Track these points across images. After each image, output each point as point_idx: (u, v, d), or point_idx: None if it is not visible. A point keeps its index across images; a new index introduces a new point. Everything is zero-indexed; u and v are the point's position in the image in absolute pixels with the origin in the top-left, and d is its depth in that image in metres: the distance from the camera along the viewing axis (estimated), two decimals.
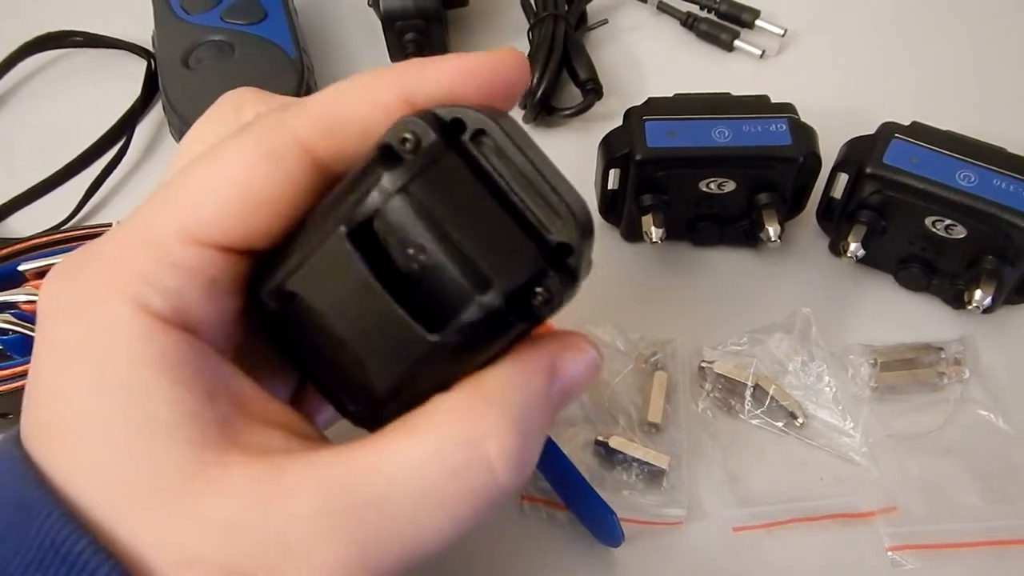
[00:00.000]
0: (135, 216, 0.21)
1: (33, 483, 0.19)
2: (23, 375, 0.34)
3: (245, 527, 0.18)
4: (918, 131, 0.36)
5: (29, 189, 0.43)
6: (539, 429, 0.21)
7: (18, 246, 0.38)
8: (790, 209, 0.39)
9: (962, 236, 0.35)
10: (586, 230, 0.20)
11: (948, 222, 0.35)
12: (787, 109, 0.38)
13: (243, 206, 0.20)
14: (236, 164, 0.21)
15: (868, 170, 0.35)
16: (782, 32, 0.49)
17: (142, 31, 0.48)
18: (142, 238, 0.20)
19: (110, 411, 0.19)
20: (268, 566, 0.18)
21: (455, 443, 0.19)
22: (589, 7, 0.49)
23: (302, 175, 0.21)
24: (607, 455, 0.34)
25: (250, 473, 0.19)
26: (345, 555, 0.19)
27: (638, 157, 0.36)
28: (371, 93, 0.21)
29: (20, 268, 0.37)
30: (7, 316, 0.35)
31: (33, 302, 0.36)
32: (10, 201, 0.43)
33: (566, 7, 0.47)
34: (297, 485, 0.19)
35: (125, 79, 0.47)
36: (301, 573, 0.18)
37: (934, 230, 0.36)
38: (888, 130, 0.36)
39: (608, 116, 0.45)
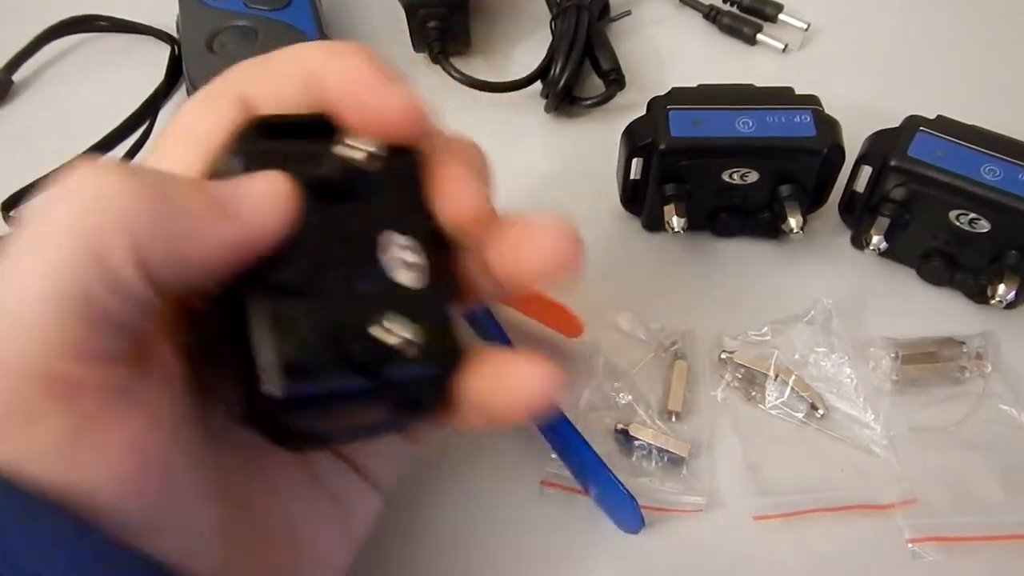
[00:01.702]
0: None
1: None
2: None
3: None
4: (943, 125, 0.36)
5: (54, 171, 0.43)
6: None
7: None
8: (812, 201, 0.39)
9: (986, 230, 0.35)
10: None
11: (972, 216, 0.35)
12: (811, 101, 0.38)
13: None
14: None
15: (893, 163, 0.35)
16: (805, 26, 0.49)
17: (166, 17, 0.48)
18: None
19: None
20: None
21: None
22: None
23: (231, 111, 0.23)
24: (627, 442, 0.34)
25: None
26: None
27: (662, 146, 0.36)
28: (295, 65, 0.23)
29: None
30: None
31: None
32: (36, 182, 0.43)
33: None
34: None
35: (149, 64, 0.48)
36: None
37: (958, 224, 0.35)
38: (913, 123, 0.36)
39: (629, 107, 0.45)
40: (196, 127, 0.23)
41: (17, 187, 0.43)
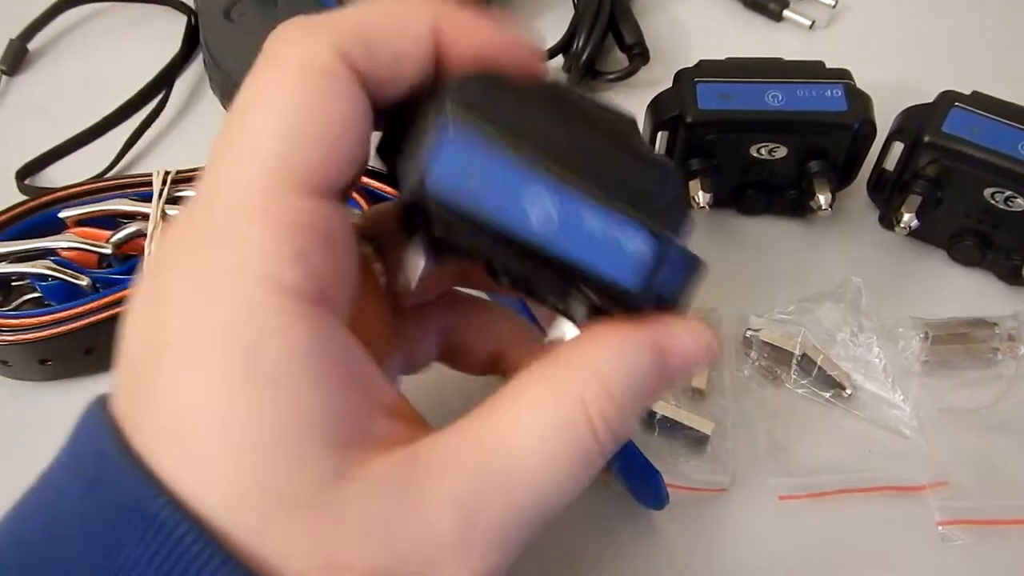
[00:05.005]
0: (211, 184, 0.19)
1: (116, 444, 0.18)
2: (62, 321, 0.34)
3: (394, 527, 0.18)
4: (979, 100, 0.35)
5: (69, 140, 0.43)
6: (644, 404, 0.21)
7: (59, 194, 0.38)
8: (841, 179, 0.38)
9: (1021, 209, 0.34)
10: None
11: (1008, 194, 0.34)
12: (843, 75, 0.37)
13: (320, 135, 0.18)
14: (295, 92, 0.18)
15: (926, 139, 0.34)
16: (833, 2, 0.48)
17: None
18: (246, 206, 0.18)
19: (244, 411, 0.17)
20: (420, 563, 0.18)
21: (574, 417, 0.19)
22: None
23: (355, 89, 0.19)
24: (650, 420, 0.33)
25: (390, 467, 0.18)
26: (495, 536, 0.18)
27: (689, 119, 0.36)
28: (404, 18, 0.20)
29: (60, 215, 0.37)
30: (48, 263, 0.35)
31: (73, 249, 0.36)
32: (50, 151, 0.43)
33: None
34: (439, 469, 0.18)
35: (165, 34, 0.47)
36: (458, 563, 0.18)
37: (992, 202, 0.35)
38: (948, 98, 0.35)
39: (653, 82, 0.44)
40: (285, 104, 0.19)
41: (32, 156, 0.42)
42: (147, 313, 0.19)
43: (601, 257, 0.19)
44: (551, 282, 0.21)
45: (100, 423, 0.18)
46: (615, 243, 0.19)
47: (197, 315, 0.18)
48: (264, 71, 0.19)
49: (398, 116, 0.20)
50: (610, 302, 0.20)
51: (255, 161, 0.18)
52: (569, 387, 0.20)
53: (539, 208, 0.19)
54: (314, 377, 0.18)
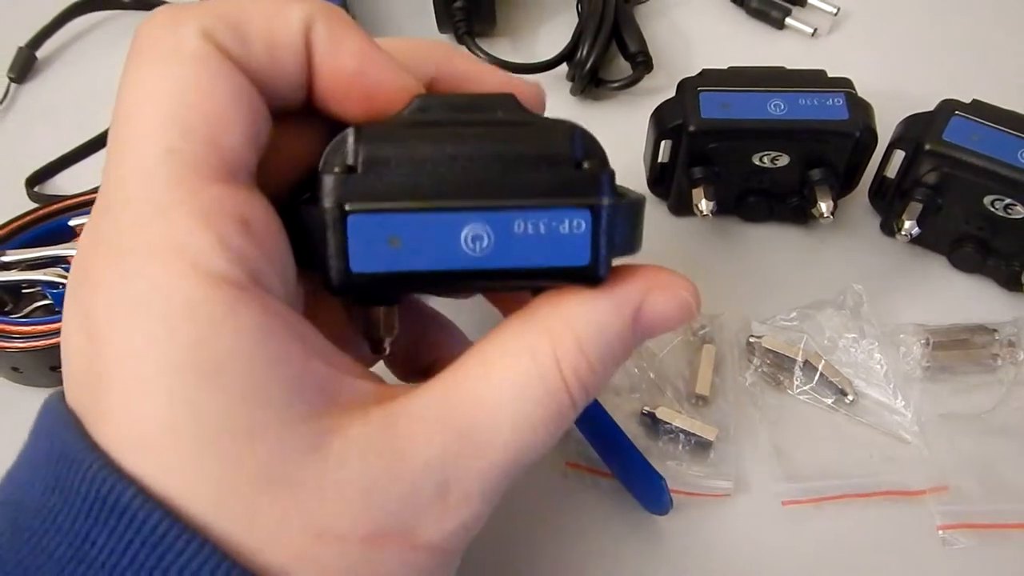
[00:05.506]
0: (113, 188, 0.19)
1: (79, 439, 0.18)
2: None
3: (378, 488, 0.18)
4: (979, 109, 0.36)
5: (78, 147, 0.43)
6: (615, 362, 0.22)
7: (68, 202, 0.38)
8: (842, 186, 0.39)
9: (1021, 216, 0.34)
10: None
11: (1008, 201, 0.34)
12: (844, 84, 0.37)
13: (202, 119, 0.18)
14: (171, 80, 0.19)
15: (927, 146, 0.35)
16: (835, 11, 0.48)
17: None
18: (154, 204, 0.18)
19: (205, 410, 0.17)
20: (407, 521, 0.19)
21: (547, 372, 0.20)
22: None
23: (229, 70, 0.19)
24: (653, 426, 0.33)
25: (367, 431, 0.19)
26: (474, 491, 0.19)
27: (692, 128, 0.36)
28: (274, 6, 0.20)
29: (70, 223, 0.37)
30: (57, 270, 0.36)
31: None
32: (59, 159, 0.43)
33: None
34: (416, 431, 0.19)
35: None
36: (441, 519, 0.19)
37: (992, 209, 0.35)
38: (948, 107, 0.36)
39: (656, 90, 0.45)
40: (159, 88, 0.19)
41: (41, 163, 0.43)
42: (81, 327, 0.19)
43: (546, 252, 0.20)
44: (510, 285, 0.22)
45: (61, 420, 0.19)
46: (553, 233, 0.20)
47: (135, 323, 0.18)
48: (137, 61, 0.19)
49: (298, 228, 0.20)
50: (571, 283, 0.21)
51: (149, 157, 0.18)
52: (543, 345, 0.20)
53: (469, 239, 0.20)
54: (269, 356, 0.18)
